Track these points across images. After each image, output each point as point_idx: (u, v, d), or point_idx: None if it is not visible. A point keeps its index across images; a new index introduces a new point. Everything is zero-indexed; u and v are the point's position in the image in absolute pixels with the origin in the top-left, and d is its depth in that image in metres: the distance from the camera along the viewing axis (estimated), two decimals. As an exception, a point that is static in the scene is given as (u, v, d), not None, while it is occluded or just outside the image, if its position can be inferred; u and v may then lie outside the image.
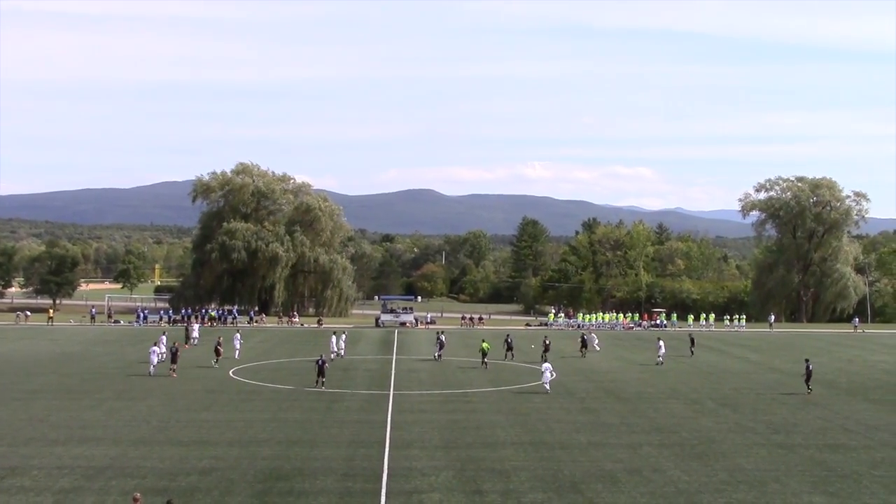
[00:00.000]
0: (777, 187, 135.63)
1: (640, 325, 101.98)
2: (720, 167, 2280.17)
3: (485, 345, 60.74)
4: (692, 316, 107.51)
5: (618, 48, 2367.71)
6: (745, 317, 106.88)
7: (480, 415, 40.97)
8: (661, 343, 65.15)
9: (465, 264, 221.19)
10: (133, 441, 34.11)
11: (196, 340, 71.58)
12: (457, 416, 40.68)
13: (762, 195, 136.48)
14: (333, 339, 64.60)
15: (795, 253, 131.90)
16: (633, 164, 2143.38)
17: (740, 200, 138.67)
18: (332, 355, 61.57)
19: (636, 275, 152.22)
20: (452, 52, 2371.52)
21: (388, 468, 30.22)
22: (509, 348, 64.18)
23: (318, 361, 49.62)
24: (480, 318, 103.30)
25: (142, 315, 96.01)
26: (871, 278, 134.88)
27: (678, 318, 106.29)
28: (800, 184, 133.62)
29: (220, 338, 62.52)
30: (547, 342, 65.26)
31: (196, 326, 77.22)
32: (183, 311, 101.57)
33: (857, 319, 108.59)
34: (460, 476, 29.34)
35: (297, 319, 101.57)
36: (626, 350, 73.56)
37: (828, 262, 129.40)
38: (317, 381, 48.50)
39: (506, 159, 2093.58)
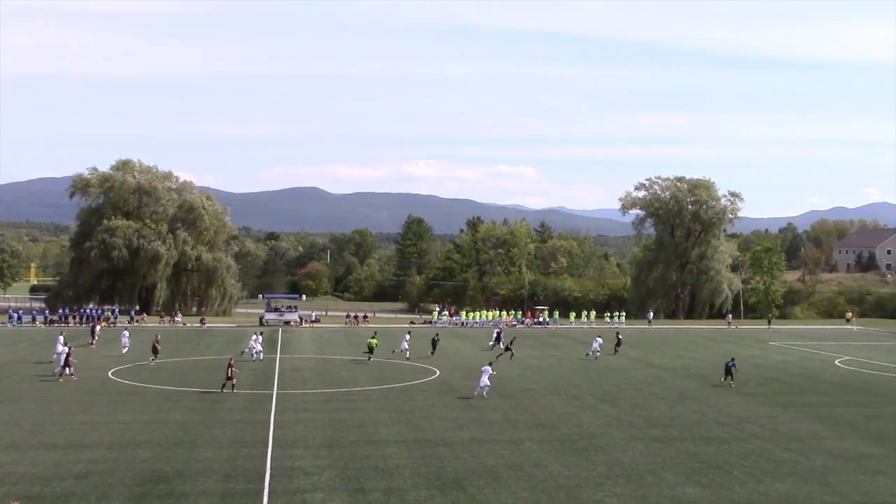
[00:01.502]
0: (656, 186, 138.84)
1: (522, 323, 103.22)
2: (602, 167, 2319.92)
3: (373, 340, 61.80)
4: (574, 313, 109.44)
5: (502, 49, 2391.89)
6: (624, 314, 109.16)
7: (364, 413, 40.97)
8: (599, 339, 67.28)
9: (350, 262, 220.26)
10: (3, 446, 32.99)
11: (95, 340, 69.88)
12: (340, 414, 40.60)
13: (642, 194, 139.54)
14: (254, 337, 63.85)
15: (674, 251, 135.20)
16: (516, 164, 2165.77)
17: (621, 199, 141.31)
18: (257, 354, 61.17)
19: (519, 272, 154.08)
20: (337, 50, 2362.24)
21: (271, 468, 29.99)
22: (433, 346, 65.38)
23: (228, 363, 48.35)
24: (365, 317, 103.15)
25: (15, 316, 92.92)
26: (744, 276, 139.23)
27: (560, 315, 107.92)
28: (678, 183, 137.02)
29: (157, 336, 61.94)
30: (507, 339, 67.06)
31: (99, 327, 75.57)
32: (86, 310, 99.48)
33: (730, 316, 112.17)
34: (343, 475, 29.31)
35: (179, 318, 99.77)
36: (487, 349, 74.22)
37: (704, 260, 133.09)
38: (224, 385, 46.58)
39: (391, 158, 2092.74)
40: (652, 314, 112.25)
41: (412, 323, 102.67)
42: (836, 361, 66.84)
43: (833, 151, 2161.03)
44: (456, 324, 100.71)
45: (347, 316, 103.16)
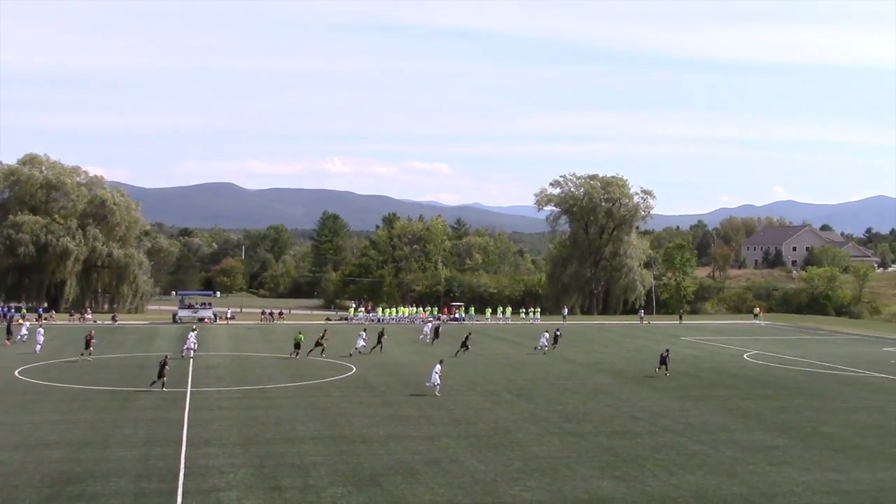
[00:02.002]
0: (570, 184, 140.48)
1: (439, 319, 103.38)
2: (516, 164, 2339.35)
3: (299, 335, 62.30)
4: (489, 309, 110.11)
5: (417, 45, 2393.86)
6: (539, 310, 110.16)
7: (280, 410, 40.67)
8: (546, 335, 68.28)
9: (266, 259, 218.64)
10: None
11: (24, 338, 68.07)
12: (256, 412, 40.24)
13: (557, 191, 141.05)
14: (191, 335, 62.93)
15: (588, 248, 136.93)
16: (431, 160, 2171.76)
17: (536, 195, 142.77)
18: (189, 352, 60.46)
19: (435, 269, 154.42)
20: (253, 44, 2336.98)
21: (185, 467, 29.59)
22: (379, 342, 65.60)
23: (161, 361, 47.05)
24: (281, 314, 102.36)
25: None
26: (656, 272, 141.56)
27: (476, 311, 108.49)
28: (592, 181, 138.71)
29: (91, 331, 61.35)
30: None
31: (26, 324, 73.70)
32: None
33: (642, 311, 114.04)
34: (259, 472, 29.07)
35: (89, 316, 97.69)
36: (425, 343, 74.44)
37: (618, 256, 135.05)
38: (155, 382, 45.73)
39: (306, 153, 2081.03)
40: (566, 310, 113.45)
41: (328, 320, 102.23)
42: (744, 355, 68.35)
43: (741, 151, 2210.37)
44: (372, 320, 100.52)
45: (263, 313, 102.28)
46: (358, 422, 38.10)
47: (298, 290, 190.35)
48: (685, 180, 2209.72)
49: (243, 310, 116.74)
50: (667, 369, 55.39)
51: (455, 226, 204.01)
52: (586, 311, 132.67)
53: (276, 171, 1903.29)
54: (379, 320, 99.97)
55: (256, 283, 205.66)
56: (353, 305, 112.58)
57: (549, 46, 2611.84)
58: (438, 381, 45.85)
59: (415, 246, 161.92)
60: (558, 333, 72.52)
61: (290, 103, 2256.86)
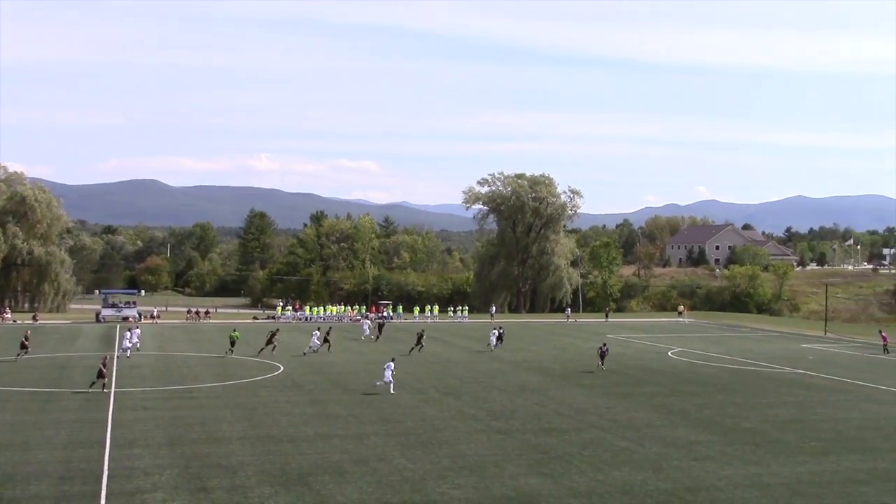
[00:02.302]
0: (498, 182, 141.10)
1: (366, 318, 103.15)
2: (445, 162, 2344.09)
3: (235, 333, 62.99)
4: (417, 308, 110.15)
5: (346, 43, 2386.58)
6: (467, 308, 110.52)
7: (206, 410, 40.27)
8: (495, 332, 69.25)
9: (192, 257, 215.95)
10: None
11: None
12: (182, 412, 39.78)
13: (484, 190, 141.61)
14: (128, 334, 62.18)
15: (515, 246, 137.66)
16: (359, 158, 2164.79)
17: (464, 193, 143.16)
18: (124, 351, 59.99)
19: (363, 267, 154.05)
20: (178, 40, 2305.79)
21: (109, 469, 29.14)
22: (326, 341, 65.78)
23: (102, 361, 46.29)
24: (207, 312, 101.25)
25: None
26: (583, 270, 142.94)
27: (404, 309, 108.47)
28: (519, 180, 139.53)
29: (27, 331, 61.38)
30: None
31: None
32: None
33: (569, 310, 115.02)
34: (185, 473, 28.76)
35: (8, 315, 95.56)
36: (354, 342, 74.32)
37: (545, 255, 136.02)
38: (94, 382, 45.00)
39: (232, 150, 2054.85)
40: (494, 308, 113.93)
41: (255, 319, 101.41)
42: (669, 353, 69.39)
43: (666, 151, 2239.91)
44: (300, 319, 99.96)
45: (189, 311, 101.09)
46: (285, 421, 37.90)
47: (225, 289, 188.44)
48: (611, 180, 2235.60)
49: (169, 308, 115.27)
50: (603, 363, 57.37)
51: (383, 224, 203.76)
52: (514, 310, 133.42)
53: (203, 168, 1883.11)
54: (307, 319, 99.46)
55: (182, 282, 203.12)
56: (281, 304, 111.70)
57: (477, 45, 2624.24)
58: (391, 378, 45.99)
59: (343, 244, 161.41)
60: (501, 331, 73.25)
61: (217, 99, 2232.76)
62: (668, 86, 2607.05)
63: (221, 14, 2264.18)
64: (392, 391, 45.71)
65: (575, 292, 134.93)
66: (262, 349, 61.89)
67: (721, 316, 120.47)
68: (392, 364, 47.14)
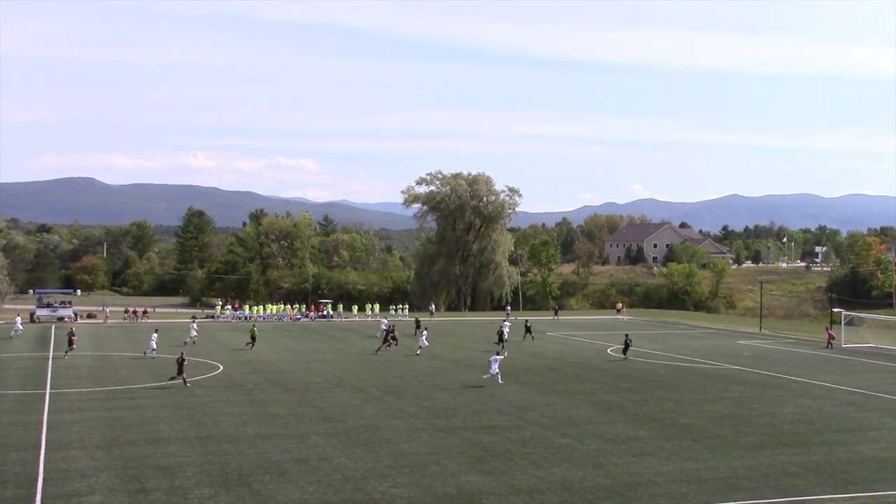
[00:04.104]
0: (437, 181, 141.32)
1: (306, 317, 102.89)
2: (384, 160, 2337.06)
3: (254, 329, 68.56)
4: (357, 306, 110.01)
5: (282, 40, 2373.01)
6: (407, 306, 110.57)
7: (144, 411, 39.81)
8: (425, 332, 68.52)
9: (129, 256, 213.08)
10: None
11: None
12: (119, 412, 39.28)
13: (423, 188, 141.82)
14: (154, 335, 61.76)
15: (455, 244, 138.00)
16: (297, 156, 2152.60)
17: (403, 193, 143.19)
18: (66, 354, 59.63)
19: (302, 266, 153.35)
20: (113, 35, 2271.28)
21: (44, 471, 28.67)
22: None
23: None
24: (145, 312, 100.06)
25: None
26: (523, 269, 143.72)
27: (344, 308, 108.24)
28: (458, 179, 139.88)
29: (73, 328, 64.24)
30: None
31: None
32: None
33: (509, 308, 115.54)
34: (123, 475, 28.40)
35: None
36: (294, 341, 73.98)
37: (485, 253, 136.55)
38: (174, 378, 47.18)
39: (169, 148, 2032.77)
40: (434, 306, 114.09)
41: (194, 318, 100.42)
42: (608, 350, 70.00)
43: (603, 150, 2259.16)
44: (239, 318, 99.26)
45: (126, 311, 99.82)
46: (225, 421, 37.61)
47: (163, 288, 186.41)
48: (549, 178, 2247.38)
49: (105, 308, 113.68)
50: (501, 344, 62.30)
51: (323, 223, 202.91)
52: (453, 308, 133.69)
53: (139, 166, 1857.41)
54: (246, 318, 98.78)
55: (119, 281, 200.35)
56: (220, 303, 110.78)
57: (415, 43, 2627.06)
58: (498, 370, 49.41)
59: (282, 242, 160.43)
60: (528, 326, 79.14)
61: (152, 96, 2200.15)
62: (603, 85, 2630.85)
63: (156, 10, 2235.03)
64: (500, 381, 48.97)
65: (515, 290, 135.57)
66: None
67: (659, 313, 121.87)
68: (499, 357, 50.87)
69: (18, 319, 78.91)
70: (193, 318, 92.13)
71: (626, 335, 66.44)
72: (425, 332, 67.38)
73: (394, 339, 67.76)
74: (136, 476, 28.28)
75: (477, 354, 65.23)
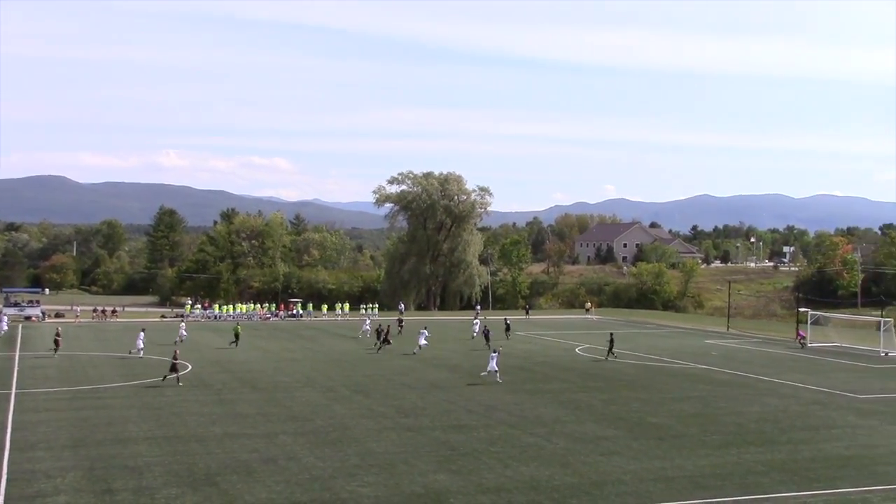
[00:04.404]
0: (408, 181, 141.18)
1: (276, 316, 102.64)
2: (356, 160, 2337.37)
3: (238, 327, 70.35)
4: (326, 305, 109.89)
5: (256, 39, 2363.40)
6: (377, 305, 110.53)
7: (112, 411, 39.62)
8: (424, 331, 68.10)
9: (99, 255, 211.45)
10: None
11: None
12: (86, 412, 39.07)
13: (395, 188, 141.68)
14: (142, 334, 61.58)
15: (426, 244, 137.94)
16: (270, 155, 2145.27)
17: (374, 193, 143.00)
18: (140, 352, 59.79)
19: (273, 265, 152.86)
20: (84, 33, 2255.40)
21: (9, 472, 28.46)
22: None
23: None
24: (114, 311, 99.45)
25: None
26: (493, 268, 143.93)
27: (314, 307, 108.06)
28: (429, 178, 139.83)
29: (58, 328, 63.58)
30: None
31: None
32: None
33: (479, 307, 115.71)
34: (89, 475, 28.28)
35: None
36: (264, 340, 73.85)
37: (456, 252, 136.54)
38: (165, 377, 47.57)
39: (141, 146, 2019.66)
40: (403, 306, 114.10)
41: (163, 317, 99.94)
42: (576, 349, 70.31)
43: (574, 150, 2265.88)
44: (209, 317, 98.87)
45: (95, 310, 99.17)
46: (193, 421, 37.50)
47: (133, 287, 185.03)
48: (520, 178, 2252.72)
49: (74, 307, 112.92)
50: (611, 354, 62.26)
51: (294, 222, 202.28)
52: (423, 307, 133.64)
53: (110, 165, 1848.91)
54: (216, 317, 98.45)
55: (88, 280, 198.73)
56: (190, 302, 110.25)
57: (388, 43, 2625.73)
58: (496, 367, 50.42)
59: (253, 242, 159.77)
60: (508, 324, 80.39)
61: (125, 94, 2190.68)
62: (575, 85, 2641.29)
63: (128, 8, 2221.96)
64: (499, 379, 49.92)
65: (485, 290, 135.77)
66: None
67: (628, 313, 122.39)
68: (496, 354, 51.65)
69: (5, 319, 79.83)
70: (183, 317, 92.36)
71: (611, 334, 66.22)
72: (424, 332, 67.21)
73: (386, 341, 67.48)
74: (102, 476, 28.17)
75: (446, 354, 65.35)
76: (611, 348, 63.16)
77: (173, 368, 47.98)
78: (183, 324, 74.97)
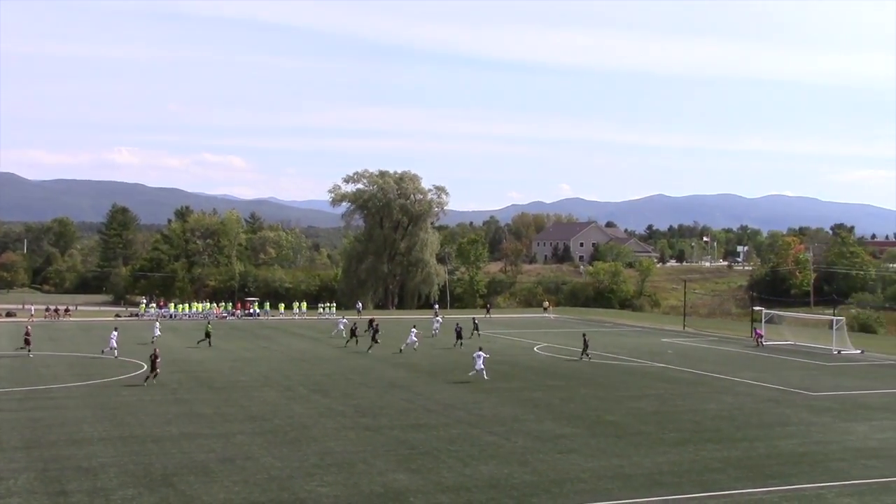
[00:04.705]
0: (364, 179, 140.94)
1: (233, 315, 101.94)
2: (310, 158, 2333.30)
3: (209, 327, 69.97)
4: (283, 304, 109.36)
5: (207, 35, 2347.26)
6: (335, 304, 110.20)
7: (66, 411, 39.08)
8: (414, 330, 67.80)
9: (50, 253, 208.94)
10: None
11: None
12: (39, 413, 38.50)
13: (351, 187, 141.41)
14: (114, 333, 60.93)
15: (383, 243, 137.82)
16: (223, 153, 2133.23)
17: (330, 192, 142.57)
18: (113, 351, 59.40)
19: (229, 263, 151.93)
20: (34, 28, 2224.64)
21: (-39, 474, 28.02)
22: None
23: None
24: (67, 310, 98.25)
25: None
26: (450, 267, 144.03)
27: (271, 306, 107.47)
28: (385, 177, 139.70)
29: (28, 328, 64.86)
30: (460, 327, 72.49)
31: None
32: None
33: (437, 306, 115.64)
34: (43, 477, 27.84)
35: None
36: (220, 339, 73.21)
37: (413, 251, 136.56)
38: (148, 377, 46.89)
39: (92, 143, 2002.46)
40: (361, 305, 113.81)
41: (118, 316, 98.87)
42: (535, 348, 70.51)
43: (529, 149, 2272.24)
44: (164, 316, 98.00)
45: (47, 309, 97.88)
46: (149, 421, 37.08)
47: (86, 286, 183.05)
48: (476, 177, 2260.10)
49: (26, 306, 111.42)
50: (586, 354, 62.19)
51: (250, 220, 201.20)
52: (381, 306, 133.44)
53: (61, 162, 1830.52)
54: (171, 316, 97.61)
55: (40, 279, 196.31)
56: (144, 301, 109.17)
57: (344, 41, 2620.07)
58: (483, 366, 50.50)
59: (209, 240, 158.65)
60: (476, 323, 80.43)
61: (75, 91, 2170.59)
62: (531, 85, 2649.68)
63: (80, 3, 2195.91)
64: (486, 377, 50.17)
65: (443, 289, 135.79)
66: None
67: (585, 311, 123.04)
68: (482, 353, 51.35)
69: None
70: (158, 318, 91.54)
71: (584, 334, 66.13)
72: (414, 330, 67.12)
73: (374, 339, 67.20)
74: (56, 478, 27.75)
75: (406, 353, 65.16)
76: (585, 349, 62.94)
77: (153, 366, 47.85)
78: (157, 323, 75.08)
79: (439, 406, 42.18)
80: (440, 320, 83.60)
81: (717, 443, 34.63)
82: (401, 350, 64.78)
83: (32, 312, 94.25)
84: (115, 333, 60.57)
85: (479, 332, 78.38)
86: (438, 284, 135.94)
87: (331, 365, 57.70)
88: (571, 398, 45.35)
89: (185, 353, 62.46)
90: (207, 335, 67.90)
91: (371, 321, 76.31)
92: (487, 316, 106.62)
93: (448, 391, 46.96)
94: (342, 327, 77.29)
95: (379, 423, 37.49)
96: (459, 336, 70.99)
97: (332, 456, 31.25)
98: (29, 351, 59.32)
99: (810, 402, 45.91)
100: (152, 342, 64.53)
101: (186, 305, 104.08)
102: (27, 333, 61.13)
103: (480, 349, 53.47)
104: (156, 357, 48.38)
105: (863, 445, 34.88)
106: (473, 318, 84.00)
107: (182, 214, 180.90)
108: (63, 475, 28.05)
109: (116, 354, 58.46)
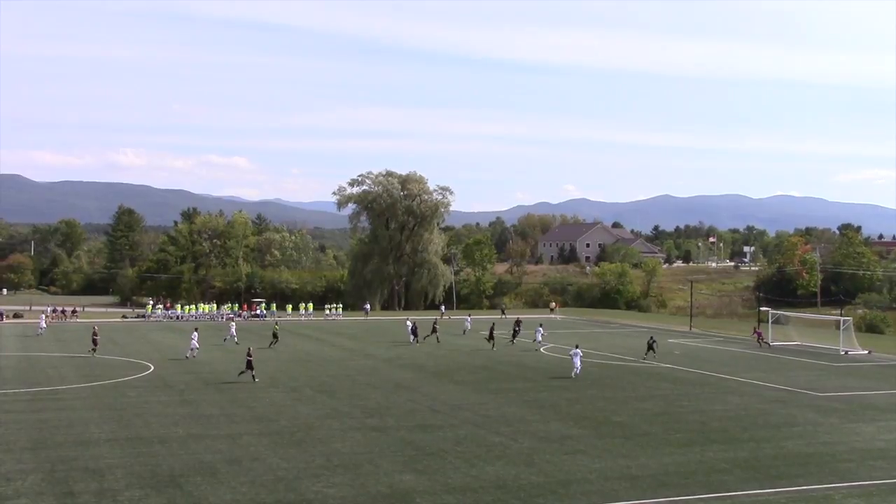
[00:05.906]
0: (369, 181, 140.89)
1: (239, 316, 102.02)
2: (317, 159, 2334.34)
3: (277, 326, 70.96)
4: (290, 305, 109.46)
5: (214, 37, 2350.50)
6: (341, 305, 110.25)
7: (73, 412, 39.15)
8: (409, 324, 68.92)
9: (57, 254, 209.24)
10: None
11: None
12: (46, 414, 38.58)
13: (356, 189, 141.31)
14: (195, 334, 61.61)
15: (389, 244, 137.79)
16: (229, 154, 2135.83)
17: (335, 193, 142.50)
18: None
19: (236, 265, 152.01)
20: (40, 29, 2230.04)
21: (-31, 475, 28.08)
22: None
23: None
24: (74, 311, 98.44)
25: None
26: (456, 268, 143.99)
27: (278, 307, 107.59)
28: (390, 178, 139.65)
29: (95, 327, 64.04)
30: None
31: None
32: None
33: (443, 306, 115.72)
34: (50, 478, 27.89)
35: None
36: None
37: (419, 252, 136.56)
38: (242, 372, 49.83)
39: (99, 145, 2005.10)
40: (368, 306, 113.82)
41: (124, 317, 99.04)
42: (541, 349, 70.41)
43: (535, 150, 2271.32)
44: (171, 317, 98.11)
45: (54, 310, 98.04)
46: (156, 422, 37.14)
47: (92, 287, 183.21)
48: (482, 178, 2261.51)
49: (32, 307, 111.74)
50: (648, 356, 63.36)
51: (256, 221, 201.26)
52: (387, 307, 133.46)
53: (67, 163, 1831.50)
54: (178, 317, 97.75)
55: (47, 280, 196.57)
56: (151, 302, 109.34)
57: (349, 42, 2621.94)
58: (580, 363, 52.62)
59: (216, 241, 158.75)
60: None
61: (81, 92, 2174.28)
62: (537, 85, 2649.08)
63: (85, 4, 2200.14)
64: (575, 375, 52.25)
65: (449, 289, 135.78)
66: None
67: (591, 312, 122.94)
68: (579, 351, 53.62)
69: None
70: (231, 318, 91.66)
71: (651, 337, 67.34)
72: (540, 329, 70.34)
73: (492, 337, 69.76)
74: (63, 479, 27.80)
75: (412, 353, 65.22)
76: (651, 347, 64.53)
77: (249, 365, 49.64)
78: (233, 324, 75.96)
79: (445, 407, 42.19)
80: (469, 320, 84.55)
81: (723, 444, 34.58)
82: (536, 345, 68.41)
83: (48, 313, 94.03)
84: (196, 334, 61.38)
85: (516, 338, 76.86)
86: (444, 285, 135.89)
87: (337, 366, 57.74)
88: (578, 399, 45.32)
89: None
90: (275, 336, 68.91)
91: (516, 323, 77.34)
92: (503, 317, 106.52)
93: (454, 392, 46.96)
94: (468, 325, 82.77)
95: (385, 424, 37.50)
96: (491, 336, 71.48)
97: (338, 457, 31.27)
98: (94, 351, 60.28)
99: (817, 402, 45.83)
100: (237, 343, 67.58)
101: (193, 306, 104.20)
102: (94, 334, 61.76)
103: (577, 346, 55.16)
104: (250, 356, 50.43)
105: (870, 446, 34.83)
106: (517, 320, 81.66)
107: (188, 216, 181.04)
108: (70, 476, 28.10)
109: (196, 355, 59.68)
